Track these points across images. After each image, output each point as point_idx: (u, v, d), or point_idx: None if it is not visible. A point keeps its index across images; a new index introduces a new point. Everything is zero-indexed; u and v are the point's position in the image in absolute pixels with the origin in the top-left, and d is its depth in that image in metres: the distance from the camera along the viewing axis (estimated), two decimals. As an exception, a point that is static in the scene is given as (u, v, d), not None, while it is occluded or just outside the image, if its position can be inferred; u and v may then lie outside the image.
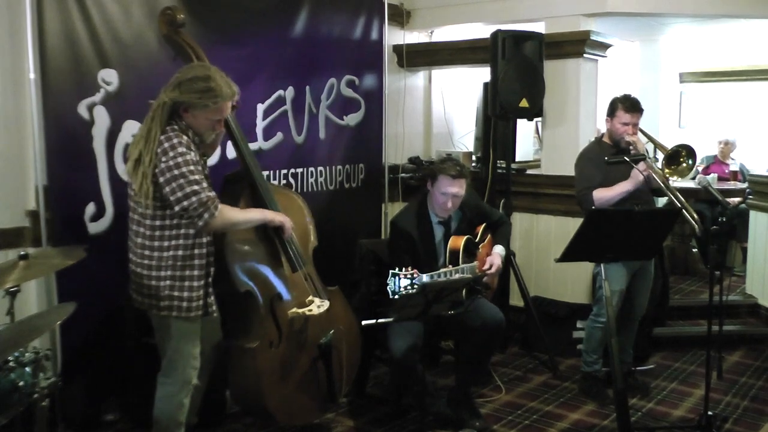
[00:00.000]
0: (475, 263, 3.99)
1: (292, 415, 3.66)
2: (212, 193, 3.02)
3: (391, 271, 3.35)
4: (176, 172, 2.93)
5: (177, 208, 2.97)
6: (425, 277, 3.47)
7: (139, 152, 2.96)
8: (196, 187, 2.95)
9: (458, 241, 3.97)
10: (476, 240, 4.11)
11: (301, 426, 3.91)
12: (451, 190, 3.86)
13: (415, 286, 3.33)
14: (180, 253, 3.07)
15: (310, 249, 3.81)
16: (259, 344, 3.43)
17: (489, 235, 4.20)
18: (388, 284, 3.34)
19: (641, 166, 4.07)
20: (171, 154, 2.93)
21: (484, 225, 4.19)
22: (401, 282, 3.32)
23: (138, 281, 3.12)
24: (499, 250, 4.09)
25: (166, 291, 3.07)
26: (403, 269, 3.35)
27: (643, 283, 4.43)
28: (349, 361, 3.84)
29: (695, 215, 3.94)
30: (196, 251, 3.10)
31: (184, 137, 3.01)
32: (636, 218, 3.58)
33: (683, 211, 3.86)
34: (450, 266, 3.83)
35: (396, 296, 3.32)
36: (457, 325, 3.89)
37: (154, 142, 2.94)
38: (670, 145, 4.26)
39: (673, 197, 3.96)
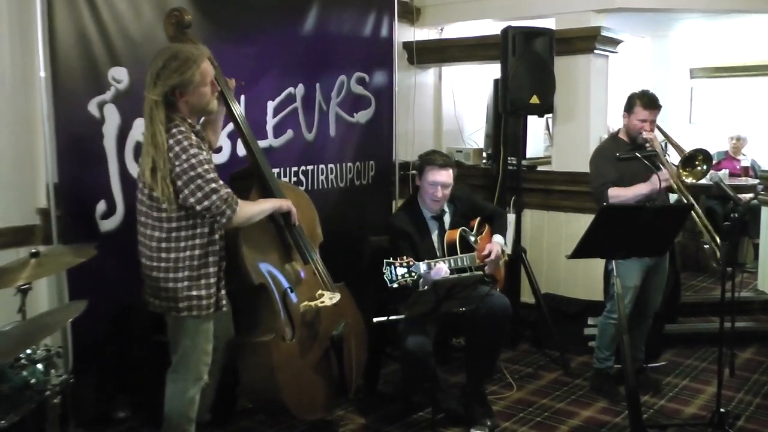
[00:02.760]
0: (474, 254, 4.03)
1: (306, 408, 3.66)
2: (229, 189, 3.03)
3: (385, 261, 3.40)
4: (192, 173, 2.91)
5: (199, 209, 2.95)
6: (422, 266, 3.57)
7: (152, 160, 2.92)
8: (214, 185, 2.95)
9: (453, 234, 4.06)
10: (472, 232, 4.16)
11: (312, 422, 3.91)
12: (439, 179, 3.96)
13: (413, 274, 3.45)
14: (197, 252, 3.06)
15: (317, 244, 3.81)
16: (273, 337, 3.43)
17: (486, 228, 4.25)
18: (384, 273, 3.38)
19: (663, 174, 4.04)
20: (183, 156, 2.91)
21: (478, 219, 4.24)
22: (397, 270, 3.44)
23: (154, 285, 3.09)
24: (497, 239, 4.16)
25: (184, 292, 3.06)
26: (398, 258, 3.39)
27: (657, 279, 4.41)
28: (357, 356, 3.85)
29: (706, 222, 3.91)
30: (210, 248, 3.10)
31: (192, 135, 2.98)
32: (647, 215, 3.57)
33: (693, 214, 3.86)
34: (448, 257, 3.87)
35: (394, 284, 3.41)
36: (465, 317, 3.88)
37: (164, 145, 2.90)
38: (683, 142, 4.24)
39: (685, 200, 3.95)
